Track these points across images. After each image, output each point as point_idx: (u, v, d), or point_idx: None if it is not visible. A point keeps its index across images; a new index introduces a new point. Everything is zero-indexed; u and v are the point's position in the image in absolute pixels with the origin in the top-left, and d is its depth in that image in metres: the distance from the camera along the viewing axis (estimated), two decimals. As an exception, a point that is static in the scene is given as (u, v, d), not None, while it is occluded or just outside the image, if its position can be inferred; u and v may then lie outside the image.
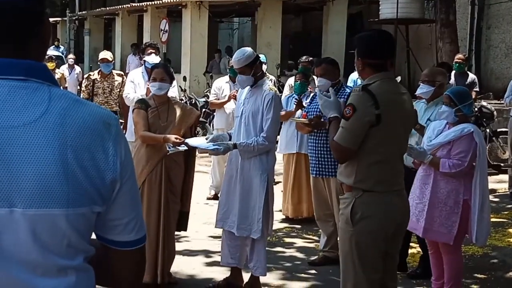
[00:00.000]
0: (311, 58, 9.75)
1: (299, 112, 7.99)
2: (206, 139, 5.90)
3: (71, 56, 18.33)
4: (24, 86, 1.64)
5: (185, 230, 6.11)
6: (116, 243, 1.78)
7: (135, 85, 8.68)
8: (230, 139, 5.89)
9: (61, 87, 2.16)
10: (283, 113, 7.38)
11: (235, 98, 8.50)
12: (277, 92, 5.91)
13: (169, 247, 5.89)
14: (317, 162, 6.68)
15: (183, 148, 5.70)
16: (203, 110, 15.26)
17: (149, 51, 8.73)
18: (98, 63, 9.86)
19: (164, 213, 5.80)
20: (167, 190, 5.83)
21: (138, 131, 5.84)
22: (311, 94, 8.31)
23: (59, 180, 1.61)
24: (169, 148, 5.74)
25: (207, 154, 10.31)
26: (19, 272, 1.61)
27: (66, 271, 1.67)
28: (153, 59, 8.62)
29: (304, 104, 8.18)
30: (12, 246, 1.60)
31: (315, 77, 9.09)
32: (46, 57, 17.03)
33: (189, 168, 6.03)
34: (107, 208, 1.72)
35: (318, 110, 6.69)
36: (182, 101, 12.85)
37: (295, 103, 8.11)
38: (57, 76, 15.82)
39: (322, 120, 6.39)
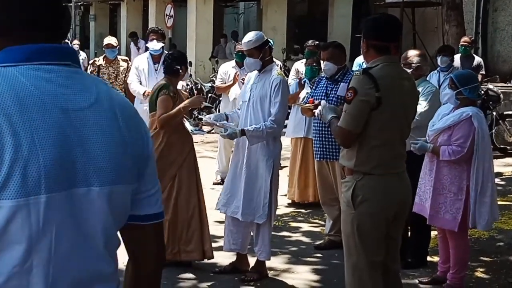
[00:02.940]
0: (317, 42, 9.70)
1: (303, 93, 7.99)
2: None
3: (76, 42, 18.31)
4: (74, 71, 1.71)
5: None
6: (144, 218, 1.85)
7: (140, 71, 8.68)
8: (227, 119, 5.91)
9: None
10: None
11: (237, 80, 8.51)
12: (285, 77, 5.91)
13: (206, 225, 6.16)
14: (321, 146, 6.68)
15: (204, 131, 5.89)
16: (209, 95, 15.26)
17: (151, 37, 8.71)
18: (103, 48, 9.85)
19: (201, 195, 6.12)
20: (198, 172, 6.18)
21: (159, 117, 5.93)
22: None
23: (122, 158, 1.71)
24: (192, 130, 5.97)
25: (214, 140, 10.34)
26: (95, 251, 1.69)
27: (115, 249, 1.78)
28: (155, 45, 8.62)
29: (307, 89, 8.17)
30: (89, 225, 1.66)
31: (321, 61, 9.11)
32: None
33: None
34: (139, 183, 1.80)
35: (323, 94, 6.69)
36: (188, 86, 12.88)
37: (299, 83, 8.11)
38: None
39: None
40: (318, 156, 6.77)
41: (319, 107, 4.75)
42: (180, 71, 6.08)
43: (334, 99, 6.59)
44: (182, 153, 6.03)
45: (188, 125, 5.92)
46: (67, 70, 1.69)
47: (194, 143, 6.21)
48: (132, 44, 21.31)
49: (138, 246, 1.89)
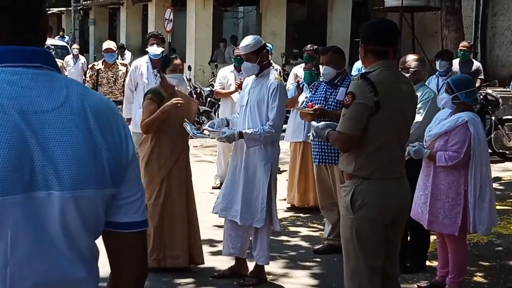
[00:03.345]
0: (315, 47, 9.72)
1: (302, 97, 8.00)
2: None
3: (75, 46, 18.31)
4: (42, 73, 1.70)
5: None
6: (124, 225, 1.81)
7: (137, 74, 8.72)
8: (228, 124, 5.91)
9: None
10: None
11: (241, 88, 8.51)
12: (283, 81, 5.91)
13: (196, 230, 6.15)
14: (320, 150, 6.68)
15: (206, 134, 5.89)
16: (208, 99, 15.26)
17: (151, 42, 8.75)
18: (102, 53, 9.86)
19: (191, 200, 6.12)
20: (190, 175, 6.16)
21: (142, 122, 5.92)
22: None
23: (89, 162, 1.67)
24: (194, 133, 5.92)
25: (213, 144, 10.33)
26: (58, 254, 1.66)
27: (89, 255, 1.74)
28: (155, 50, 8.65)
29: (306, 94, 8.17)
30: (50, 229, 1.64)
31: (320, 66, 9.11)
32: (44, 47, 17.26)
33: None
34: (118, 189, 1.77)
35: (322, 99, 6.70)
36: (188, 90, 12.87)
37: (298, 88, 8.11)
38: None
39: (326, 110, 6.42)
40: (317, 160, 6.77)
41: (312, 130, 4.74)
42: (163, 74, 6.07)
43: (333, 103, 6.59)
44: (171, 157, 6.01)
45: (189, 129, 5.91)
46: (34, 72, 1.68)
47: (187, 147, 6.18)
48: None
49: (118, 255, 1.85)
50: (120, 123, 1.78)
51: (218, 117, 12.07)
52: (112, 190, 1.74)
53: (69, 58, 17.03)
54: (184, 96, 6.18)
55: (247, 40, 5.79)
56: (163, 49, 8.86)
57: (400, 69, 6.00)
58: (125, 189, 1.78)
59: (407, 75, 5.70)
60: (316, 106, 6.53)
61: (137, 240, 1.84)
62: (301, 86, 8.40)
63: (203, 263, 6.14)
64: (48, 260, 1.65)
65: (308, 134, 6.74)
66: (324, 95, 6.73)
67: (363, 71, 4.69)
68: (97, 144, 1.69)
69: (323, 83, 6.90)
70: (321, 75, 7.01)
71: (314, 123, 4.93)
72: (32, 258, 1.62)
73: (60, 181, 1.63)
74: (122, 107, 9.62)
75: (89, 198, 1.68)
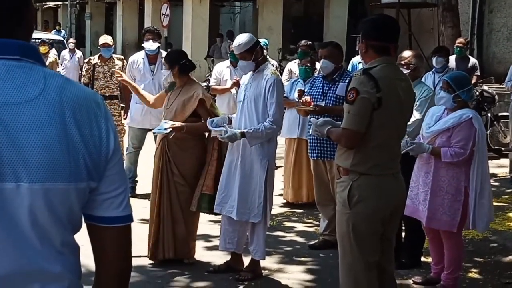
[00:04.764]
0: (309, 42, 9.72)
1: (296, 93, 8.00)
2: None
3: (72, 40, 18.27)
4: (20, 65, 1.69)
5: (207, 212, 6.16)
6: (105, 219, 1.80)
7: (134, 69, 8.82)
8: (230, 123, 5.91)
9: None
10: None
11: (237, 85, 8.51)
12: (279, 76, 5.91)
13: (174, 227, 6.11)
14: (318, 144, 6.68)
15: (166, 131, 5.99)
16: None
17: (147, 37, 8.79)
18: (99, 47, 9.85)
19: (164, 194, 6.10)
20: (168, 172, 6.12)
21: None
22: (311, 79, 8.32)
23: (62, 155, 1.66)
24: (155, 130, 6.15)
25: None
26: (29, 246, 1.66)
27: (65, 249, 1.72)
28: (151, 45, 8.70)
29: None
30: (19, 221, 1.64)
31: (315, 61, 9.11)
32: (39, 40, 16.87)
33: (207, 153, 6.16)
34: (98, 183, 1.76)
35: (320, 94, 6.70)
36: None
37: (298, 93, 8.07)
38: (50, 60, 15.78)
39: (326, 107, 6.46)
40: (315, 155, 6.77)
41: (312, 127, 4.73)
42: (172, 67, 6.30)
43: (332, 98, 6.60)
44: (159, 157, 6.19)
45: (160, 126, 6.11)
46: (10, 64, 1.68)
47: (166, 146, 6.16)
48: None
49: (100, 248, 1.84)
50: (101, 117, 1.76)
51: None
52: (88, 183, 1.73)
53: (65, 52, 17.00)
54: (192, 89, 6.22)
55: (240, 39, 5.78)
56: (159, 44, 8.86)
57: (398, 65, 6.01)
58: (106, 184, 1.78)
59: (405, 71, 5.69)
60: (316, 103, 6.55)
61: (119, 235, 1.83)
62: (296, 82, 8.41)
63: (186, 257, 6.17)
64: (18, 251, 1.65)
65: (308, 130, 6.75)
66: (321, 90, 6.74)
67: (360, 67, 4.68)
68: (71, 137, 1.68)
69: (319, 78, 6.90)
70: (319, 68, 7.00)
71: (313, 119, 4.91)
72: (1, 248, 1.63)
73: (29, 173, 1.63)
74: (118, 102, 9.62)
75: (60, 191, 1.67)
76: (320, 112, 6.43)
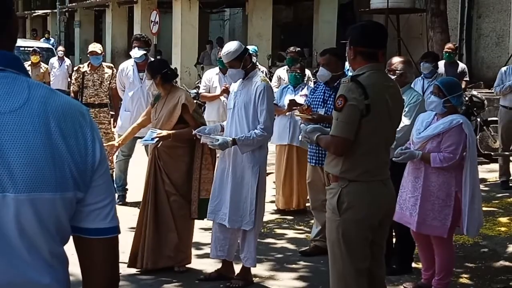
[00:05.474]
0: (298, 49, 9.73)
1: (286, 100, 8.03)
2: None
3: (60, 48, 18.19)
4: (3, 75, 1.69)
5: (202, 218, 6.24)
6: (91, 231, 1.79)
7: (124, 77, 8.86)
8: (222, 131, 5.91)
9: (45, 82, 2.14)
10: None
11: (226, 92, 8.50)
12: (269, 82, 5.91)
13: (167, 236, 6.11)
14: (316, 151, 6.68)
15: (153, 141, 6.02)
16: (195, 101, 15.20)
17: (134, 45, 8.86)
18: (88, 55, 9.82)
19: (150, 203, 6.10)
20: (159, 181, 6.12)
21: None
22: (307, 86, 8.34)
23: (47, 165, 1.65)
24: (142, 141, 6.22)
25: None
26: (17, 257, 1.65)
27: (54, 260, 1.71)
28: (136, 53, 8.75)
29: (299, 96, 8.17)
30: (6, 231, 1.63)
31: (308, 71, 9.15)
32: (31, 49, 16.76)
33: (195, 159, 6.19)
34: (85, 193, 1.75)
35: (321, 101, 6.70)
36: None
37: (291, 101, 8.07)
38: (41, 70, 15.65)
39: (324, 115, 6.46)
40: (314, 161, 6.76)
41: (302, 133, 4.73)
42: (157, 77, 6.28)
43: (333, 106, 6.60)
44: (150, 166, 6.22)
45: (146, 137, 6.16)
46: None
47: (157, 155, 6.17)
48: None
49: (87, 260, 1.83)
50: (87, 127, 1.75)
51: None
52: (75, 193, 1.72)
53: (54, 60, 16.93)
54: (177, 97, 6.22)
55: (228, 48, 5.78)
56: (144, 52, 8.85)
57: (386, 71, 6.01)
58: (92, 195, 1.77)
59: (393, 77, 5.69)
60: (315, 112, 6.56)
61: (106, 246, 1.82)
62: (287, 89, 8.43)
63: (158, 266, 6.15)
64: (7, 262, 1.64)
65: (300, 137, 6.75)
66: (322, 97, 6.72)
67: (349, 74, 4.68)
68: (57, 147, 1.67)
69: (321, 84, 6.88)
70: (317, 76, 7.00)
71: (303, 126, 4.91)
72: None
73: (15, 183, 1.62)
74: (107, 110, 9.59)
75: (47, 201, 1.66)
76: (318, 121, 6.42)
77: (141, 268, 6.09)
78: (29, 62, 15.07)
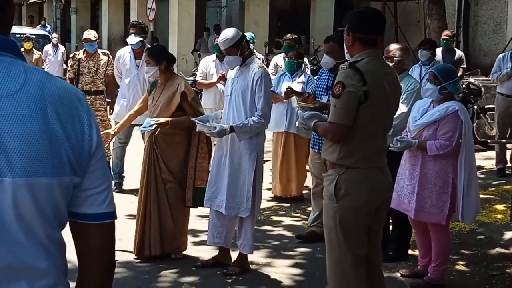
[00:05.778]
0: (295, 36, 9.73)
1: (284, 87, 8.03)
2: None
3: (55, 35, 18.13)
4: (0, 59, 1.67)
5: (196, 207, 6.31)
6: (88, 216, 1.78)
7: (121, 63, 8.83)
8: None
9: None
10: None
11: (223, 79, 8.49)
12: (266, 69, 5.90)
13: (162, 223, 6.11)
14: (320, 138, 6.66)
15: (151, 128, 5.99)
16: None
17: (130, 32, 8.85)
18: (83, 42, 9.78)
19: (152, 190, 6.09)
20: (156, 168, 6.11)
21: None
22: (304, 73, 8.34)
23: (44, 150, 1.64)
24: (141, 128, 6.20)
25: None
26: (15, 242, 1.65)
27: (51, 245, 1.71)
28: (132, 40, 8.73)
29: (296, 83, 8.16)
30: (4, 216, 1.62)
31: (306, 59, 9.14)
32: (23, 36, 16.66)
33: (192, 147, 6.19)
34: (82, 179, 1.75)
35: (325, 88, 6.68)
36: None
37: (288, 89, 8.05)
38: (35, 57, 15.59)
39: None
40: (317, 147, 6.73)
41: (299, 120, 4.73)
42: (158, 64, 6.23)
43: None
44: (147, 153, 6.22)
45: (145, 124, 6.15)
46: None
47: (154, 143, 6.17)
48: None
49: (83, 246, 1.82)
50: (83, 112, 1.74)
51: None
52: (72, 178, 1.71)
53: (49, 47, 16.86)
54: (176, 84, 6.19)
55: (225, 35, 5.75)
56: (141, 39, 8.82)
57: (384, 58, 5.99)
58: (89, 180, 1.76)
59: (391, 64, 5.68)
60: (317, 100, 6.54)
61: (102, 232, 1.82)
62: (283, 76, 8.43)
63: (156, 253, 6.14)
64: (4, 247, 1.63)
65: (297, 124, 6.74)
66: (326, 84, 6.71)
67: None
68: (54, 132, 1.67)
69: (326, 70, 6.86)
70: (321, 63, 6.98)
71: (300, 112, 4.89)
72: None
73: (12, 168, 1.61)
74: (103, 97, 9.56)
75: (44, 186, 1.65)
76: (321, 109, 6.40)
77: (149, 255, 6.09)
78: (22, 49, 15.02)
